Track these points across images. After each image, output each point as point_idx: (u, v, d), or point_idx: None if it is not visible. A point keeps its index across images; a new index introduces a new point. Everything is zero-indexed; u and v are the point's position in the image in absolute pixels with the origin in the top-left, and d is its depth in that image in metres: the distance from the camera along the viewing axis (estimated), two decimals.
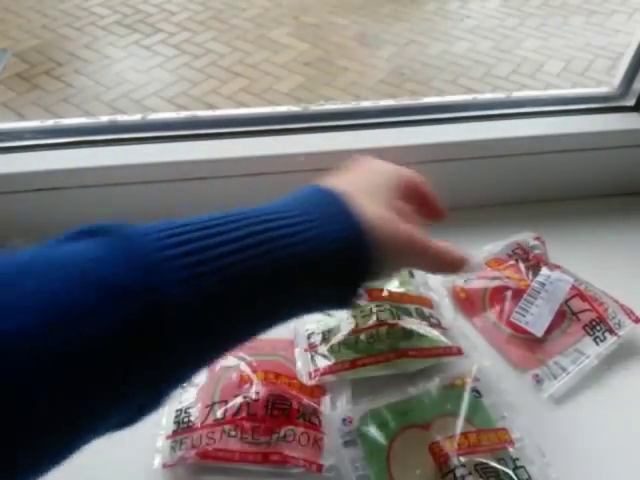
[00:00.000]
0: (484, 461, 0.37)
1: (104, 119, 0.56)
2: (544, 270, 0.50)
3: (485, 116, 0.58)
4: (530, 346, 0.47)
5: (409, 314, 0.45)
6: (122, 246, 0.24)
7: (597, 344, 0.46)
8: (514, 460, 0.37)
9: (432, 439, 0.38)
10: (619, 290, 0.50)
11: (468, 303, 0.51)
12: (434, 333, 0.45)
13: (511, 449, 0.38)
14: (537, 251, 0.53)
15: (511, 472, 0.37)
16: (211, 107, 2.14)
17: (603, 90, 0.62)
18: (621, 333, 0.46)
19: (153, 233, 0.25)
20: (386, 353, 0.43)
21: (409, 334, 0.44)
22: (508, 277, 0.50)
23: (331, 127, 0.56)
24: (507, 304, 0.49)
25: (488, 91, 2.24)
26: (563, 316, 0.47)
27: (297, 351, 0.45)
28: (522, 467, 0.37)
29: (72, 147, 0.53)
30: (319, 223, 0.29)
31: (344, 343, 0.44)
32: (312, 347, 0.45)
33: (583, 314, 0.47)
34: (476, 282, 0.51)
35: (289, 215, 0.29)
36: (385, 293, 0.47)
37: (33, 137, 0.54)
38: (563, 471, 0.38)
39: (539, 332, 0.46)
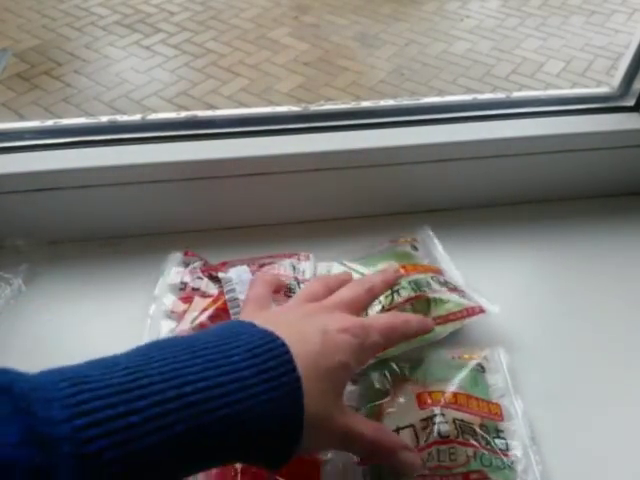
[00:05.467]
0: (465, 420, 0.36)
1: (104, 119, 0.56)
2: (222, 275, 0.47)
3: (485, 116, 0.58)
4: None
5: (427, 284, 0.45)
6: (20, 414, 0.21)
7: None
8: (498, 431, 0.37)
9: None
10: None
11: None
12: (454, 297, 0.45)
13: (499, 422, 0.37)
14: (196, 264, 0.50)
15: (489, 438, 0.36)
16: (211, 107, 2.14)
17: (603, 90, 0.62)
18: None
19: (58, 398, 0.22)
20: None
21: (433, 302, 0.44)
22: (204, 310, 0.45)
23: (331, 127, 0.56)
24: None
25: (488, 91, 2.24)
26: None
27: None
28: (504, 439, 0.37)
29: (72, 147, 0.53)
30: (259, 390, 0.27)
31: None
32: None
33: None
34: None
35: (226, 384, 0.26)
36: (401, 271, 0.46)
37: (33, 137, 0.54)
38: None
39: None
